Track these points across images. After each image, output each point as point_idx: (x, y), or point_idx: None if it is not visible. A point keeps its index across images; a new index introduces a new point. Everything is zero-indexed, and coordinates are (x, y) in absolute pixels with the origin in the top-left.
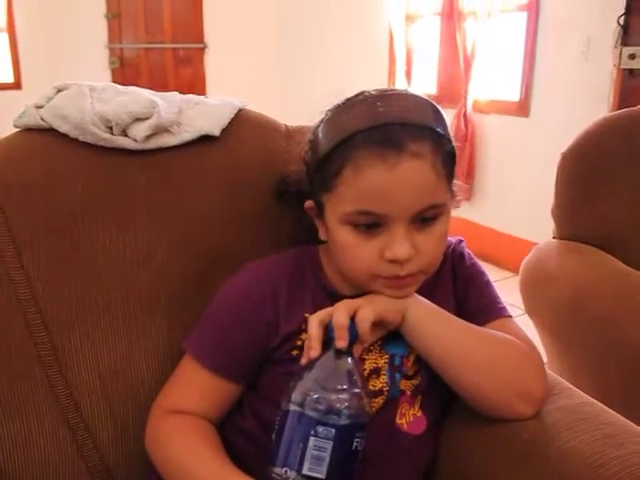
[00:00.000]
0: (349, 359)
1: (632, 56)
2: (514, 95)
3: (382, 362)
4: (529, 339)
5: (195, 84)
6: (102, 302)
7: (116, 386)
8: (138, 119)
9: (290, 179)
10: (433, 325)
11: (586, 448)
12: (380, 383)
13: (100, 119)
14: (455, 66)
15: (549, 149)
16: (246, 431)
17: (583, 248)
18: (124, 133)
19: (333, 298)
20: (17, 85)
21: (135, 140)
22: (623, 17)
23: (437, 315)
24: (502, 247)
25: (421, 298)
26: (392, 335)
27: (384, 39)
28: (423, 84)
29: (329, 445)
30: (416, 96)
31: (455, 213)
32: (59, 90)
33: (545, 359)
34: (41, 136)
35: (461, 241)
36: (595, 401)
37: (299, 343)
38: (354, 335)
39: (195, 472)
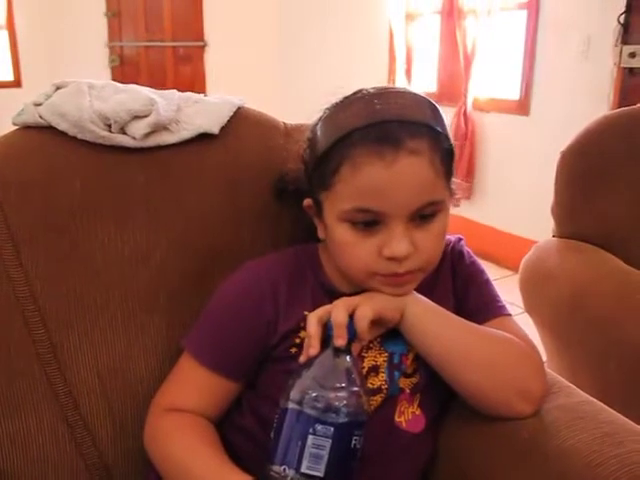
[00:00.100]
0: (348, 357)
1: (632, 55)
2: (514, 93)
3: (381, 360)
4: (528, 338)
5: (195, 82)
6: (101, 300)
7: (115, 384)
8: (137, 117)
9: (288, 177)
10: (432, 323)
11: (585, 447)
12: (379, 381)
13: (99, 117)
14: (455, 64)
15: (549, 148)
16: (245, 429)
17: (583, 247)
18: (123, 131)
19: (332, 296)
20: (17, 83)
21: (134, 138)
22: (623, 15)
23: (436, 313)
24: (502, 245)
25: (420, 296)
26: (391, 333)
27: (384, 37)
28: (423, 82)
29: (328, 443)
30: (414, 94)
31: (455, 211)
32: (58, 88)
33: (544, 358)
34: (40, 134)
35: (460, 239)
36: (594, 400)
37: (298, 341)
38: (353, 333)
39: (194, 470)
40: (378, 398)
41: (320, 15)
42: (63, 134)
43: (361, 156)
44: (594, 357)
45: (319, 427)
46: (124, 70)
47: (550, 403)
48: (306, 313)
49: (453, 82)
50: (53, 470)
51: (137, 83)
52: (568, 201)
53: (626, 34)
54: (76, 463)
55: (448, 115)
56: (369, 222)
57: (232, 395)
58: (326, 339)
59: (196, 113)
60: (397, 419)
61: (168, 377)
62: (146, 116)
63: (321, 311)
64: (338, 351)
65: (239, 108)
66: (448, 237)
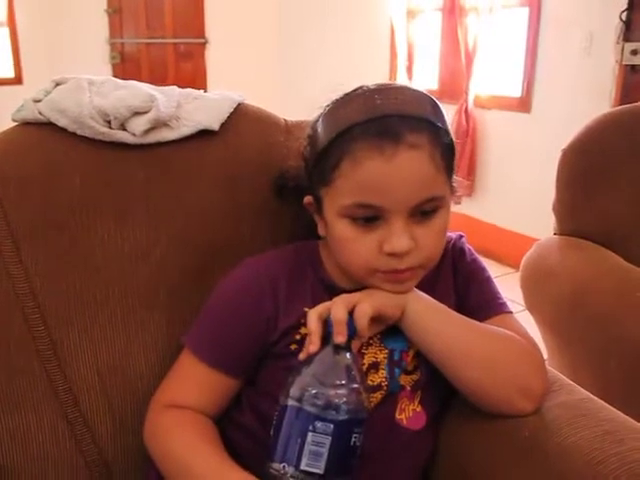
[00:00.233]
0: (348, 354)
1: (634, 52)
2: (515, 91)
3: (381, 357)
4: (529, 335)
5: (196, 79)
6: (100, 296)
7: (115, 381)
8: (137, 113)
9: (289, 174)
10: (433, 320)
11: (586, 444)
12: (379, 378)
13: (98, 113)
14: (456, 62)
15: (550, 145)
16: (244, 426)
17: (584, 244)
18: (122, 127)
19: (332, 292)
20: (18, 80)
21: (134, 134)
22: (625, 13)
23: (437, 310)
24: (503, 243)
25: (421, 293)
26: (392, 330)
27: (385, 34)
28: (424, 80)
29: (327, 440)
30: (414, 89)
31: (456, 209)
32: (57, 84)
33: (545, 355)
34: (39, 130)
35: (461, 236)
36: (595, 397)
37: (298, 337)
38: (353, 330)
39: (194, 467)
40: (378, 395)
41: (321, 12)
42: (63, 130)
43: (361, 150)
44: (595, 355)
45: (319, 424)
46: (125, 67)
47: (551, 401)
48: (306, 309)
49: (454, 79)
50: (53, 467)
51: (138, 80)
52: (569, 199)
53: (628, 31)
54: (76, 460)
55: (449, 112)
56: (369, 218)
57: (232, 392)
58: (326, 336)
59: (196, 109)
60: (398, 416)
61: (168, 374)
62: (146, 112)
63: (321, 308)
64: (338, 348)
65: (239, 104)
66: (449, 234)
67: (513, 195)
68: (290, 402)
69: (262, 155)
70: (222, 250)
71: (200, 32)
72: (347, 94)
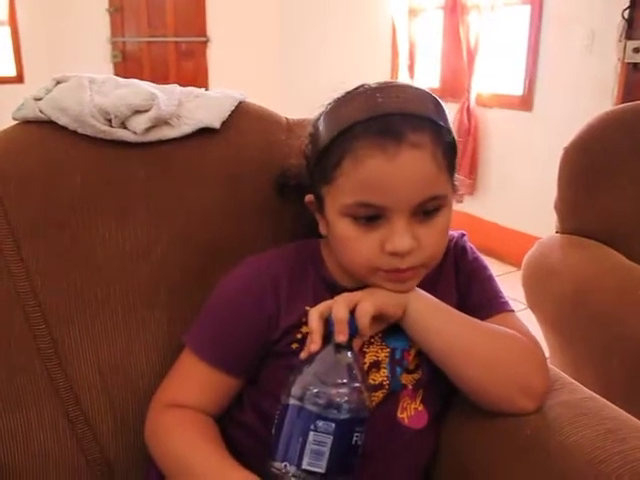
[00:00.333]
0: (349, 353)
1: (636, 50)
2: (517, 89)
3: (383, 355)
4: (531, 334)
5: (197, 78)
6: (101, 295)
7: (116, 379)
8: (137, 111)
9: (290, 172)
10: (434, 319)
11: (588, 443)
12: (380, 377)
13: (99, 111)
14: (458, 60)
15: (552, 143)
16: (246, 425)
17: (586, 242)
18: (123, 125)
19: (333, 291)
20: (19, 79)
21: (134, 132)
22: (627, 11)
23: (438, 309)
24: (505, 241)
25: (422, 292)
26: (393, 328)
27: (387, 33)
28: (426, 78)
29: (329, 439)
30: (416, 88)
31: (458, 207)
32: (58, 82)
33: (547, 354)
34: (40, 128)
35: (463, 235)
36: (597, 396)
37: (299, 336)
38: (354, 329)
39: (195, 466)
40: (380, 394)
41: (322, 11)
42: (63, 129)
43: (363, 149)
44: (597, 353)
45: (320, 423)
46: (126, 66)
47: (553, 399)
48: (307, 308)
49: (456, 78)
50: (54, 465)
51: (140, 79)
52: (571, 197)
53: (630, 29)
54: (77, 458)
55: (451, 111)
56: (371, 217)
57: (233, 391)
58: (327, 335)
59: (197, 108)
60: (399, 415)
61: (169, 372)
62: (147, 111)
63: (322, 306)
64: (339, 347)
65: (240, 103)
66: (451, 233)
67: (515, 193)
68: (291, 401)
69: (263, 153)
70: (223, 248)
71: (201, 31)
72: (349, 92)
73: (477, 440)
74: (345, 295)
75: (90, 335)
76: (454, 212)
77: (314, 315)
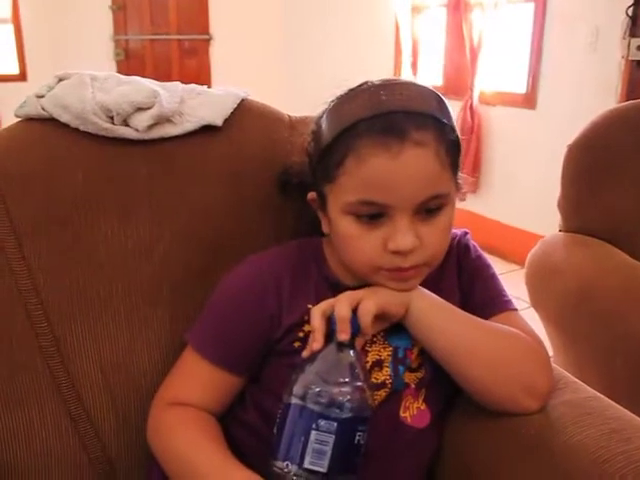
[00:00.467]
0: (351, 352)
1: None
2: (521, 87)
3: (385, 354)
4: (535, 333)
5: (200, 76)
6: (104, 293)
7: (118, 377)
8: (140, 109)
9: (292, 170)
10: (437, 318)
11: (592, 443)
12: (383, 376)
13: (101, 109)
14: (461, 58)
15: (556, 141)
16: (248, 424)
17: (589, 241)
18: (125, 123)
19: (336, 289)
20: (22, 77)
21: (136, 130)
22: (632, 8)
23: (441, 308)
24: (508, 240)
25: (425, 291)
26: (396, 327)
27: (390, 30)
28: (429, 76)
29: (331, 439)
30: (419, 85)
31: (461, 205)
32: (60, 79)
33: (550, 353)
34: (42, 126)
35: (466, 233)
36: (601, 395)
37: (301, 335)
38: (356, 328)
39: (197, 466)
40: (382, 393)
41: (325, 8)
42: (65, 126)
43: (366, 147)
44: (600, 352)
45: (322, 422)
46: (129, 64)
47: (557, 399)
48: (310, 307)
49: (459, 75)
50: (56, 463)
51: (142, 77)
52: (575, 195)
53: (634, 26)
54: (79, 456)
55: (454, 109)
56: (374, 215)
57: (235, 389)
58: (330, 333)
59: (199, 105)
60: (402, 414)
61: (171, 371)
62: (149, 108)
63: (324, 305)
64: (341, 346)
65: (243, 100)
66: (454, 231)
67: (518, 191)
68: (293, 400)
69: (266, 151)
70: (225, 246)
71: (204, 28)
72: (352, 89)
73: (480, 440)
74: (347, 294)
75: (92, 333)
76: (457, 210)
77: (316, 314)
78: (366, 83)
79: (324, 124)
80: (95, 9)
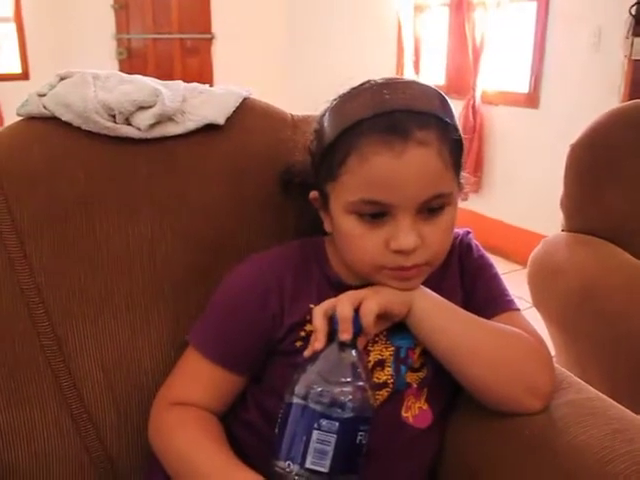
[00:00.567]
0: (353, 351)
1: None
2: (523, 86)
3: (387, 354)
4: (537, 332)
5: (202, 74)
6: (105, 292)
7: (119, 377)
8: (142, 107)
9: (295, 169)
10: (440, 318)
11: (596, 443)
12: (385, 375)
13: (103, 107)
14: (464, 57)
15: (558, 141)
16: (249, 423)
17: (592, 240)
18: (127, 122)
19: (338, 289)
20: (25, 76)
21: (139, 129)
22: (635, 7)
23: (444, 307)
24: (510, 239)
25: (427, 290)
26: (398, 326)
27: (392, 29)
28: (431, 75)
29: (333, 439)
30: (422, 85)
31: (463, 205)
32: (62, 78)
33: (553, 352)
34: (44, 124)
35: (469, 232)
36: (604, 396)
37: (303, 334)
38: (358, 327)
39: (199, 466)
40: (384, 393)
41: (328, 7)
42: (67, 125)
43: (369, 146)
44: (603, 351)
45: (324, 422)
46: (132, 62)
47: (559, 399)
48: (312, 306)
49: (462, 75)
50: (58, 463)
51: (145, 75)
52: (577, 195)
53: (637, 26)
54: (80, 456)
55: (456, 108)
56: (376, 214)
57: (237, 389)
58: (331, 333)
59: (202, 104)
60: (404, 414)
61: (173, 370)
62: (151, 107)
63: (326, 304)
64: (343, 345)
65: (245, 99)
66: (456, 230)
67: (520, 191)
68: (295, 400)
69: (268, 150)
70: (226, 245)
71: (206, 27)
72: (354, 88)
73: (483, 440)
74: (350, 293)
75: (93, 332)
76: (459, 210)
77: (318, 313)
78: (369, 82)
79: (327, 123)
80: (97, 8)
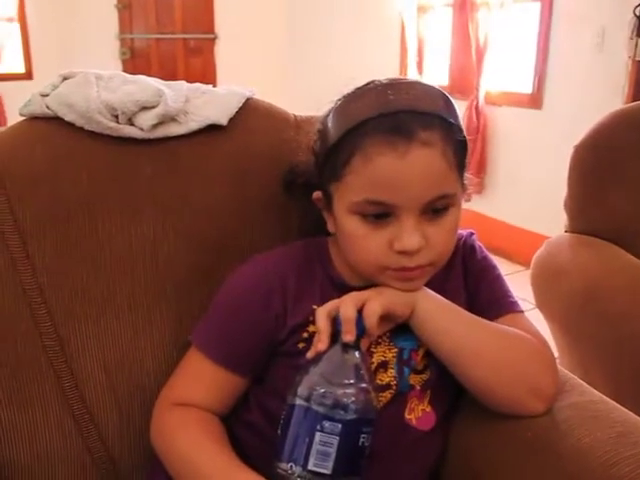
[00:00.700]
0: (356, 353)
1: None
2: (527, 87)
3: (390, 356)
4: (540, 334)
5: (205, 75)
6: (107, 293)
7: (121, 377)
8: (144, 108)
9: (298, 169)
10: (443, 319)
11: (600, 446)
12: (388, 377)
13: (106, 107)
14: (467, 57)
15: (562, 142)
16: (252, 425)
17: (595, 242)
18: (130, 122)
19: (341, 290)
20: (28, 75)
21: (141, 129)
22: (639, 8)
23: (447, 309)
24: (513, 240)
25: (431, 292)
26: (401, 328)
27: (395, 30)
28: (435, 75)
29: (335, 440)
30: (426, 85)
31: (466, 206)
32: (65, 78)
33: (556, 354)
34: (46, 124)
35: (472, 234)
36: (607, 398)
37: (306, 335)
38: (361, 329)
39: (201, 467)
40: (387, 394)
41: (330, 8)
42: (70, 125)
43: (373, 147)
44: (606, 352)
45: (327, 424)
46: (135, 62)
47: (562, 401)
48: (315, 307)
49: (465, 75)
50: (60, 464)
51: (148, 76)
52: (580, 196)
53: None
54: (83, 457)
55: (460, 109)
56: (380, 214)
57: (239, 390)
58: (335, 334)
59: (204, 104)
60: (407, 416)
61: (175, 371)
62: (154, 107)
63: (330, 306)
64: (347, 347)
65: (248, 99)
66: (460, 232)
67: (524, 192)
68: (298, 401)
69: (271, 150)
70: (229, 246)
71: (209, 27)
72: (358, 88)
73: (486, 442)
74: (353, 294)
75: (96, 332)
76: (462, 211)
77: (321, 314)
78: (373, 82)
79: (331, 123)
80: (101, 8)
